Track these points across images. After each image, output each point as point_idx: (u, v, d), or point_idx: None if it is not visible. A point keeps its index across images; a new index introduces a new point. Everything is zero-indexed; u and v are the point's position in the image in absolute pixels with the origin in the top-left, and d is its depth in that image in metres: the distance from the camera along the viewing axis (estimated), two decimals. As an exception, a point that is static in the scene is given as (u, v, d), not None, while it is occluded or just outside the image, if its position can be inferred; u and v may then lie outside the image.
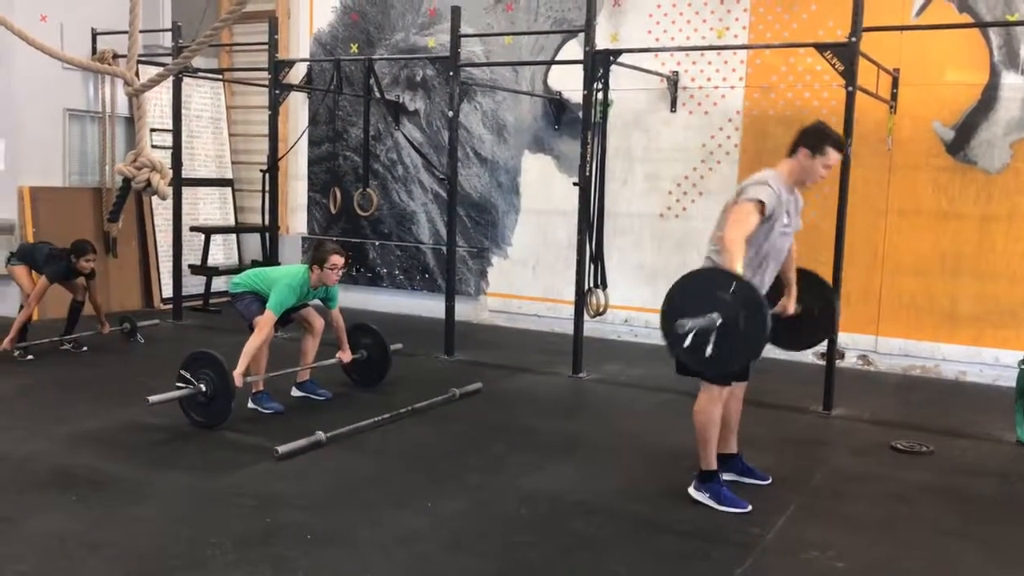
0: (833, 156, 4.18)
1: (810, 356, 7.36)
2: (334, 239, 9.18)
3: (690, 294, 3.85)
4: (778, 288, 4.48)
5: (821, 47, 5.98)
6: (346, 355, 6.06)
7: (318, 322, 5.90)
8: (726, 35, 7.84)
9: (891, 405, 6.47)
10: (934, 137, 7.20)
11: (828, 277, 5.97)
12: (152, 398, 5.05)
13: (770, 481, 4.53)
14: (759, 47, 7.58)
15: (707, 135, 8.04)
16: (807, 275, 4.69)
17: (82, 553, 3.56)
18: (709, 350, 3.72)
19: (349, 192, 8.89)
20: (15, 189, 8.44)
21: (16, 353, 6.91)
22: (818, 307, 4.73)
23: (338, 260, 5.61)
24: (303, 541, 3.74)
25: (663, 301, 3.92)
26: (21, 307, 7.10)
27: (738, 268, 3.83)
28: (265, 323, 5.44)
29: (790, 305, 4.53)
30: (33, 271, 7.09)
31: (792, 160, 4.23)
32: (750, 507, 4.15)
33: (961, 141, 7.12)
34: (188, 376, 5.22)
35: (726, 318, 3.72)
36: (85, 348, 7.34)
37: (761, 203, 4.00)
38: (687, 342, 3.69)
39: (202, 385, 5.18)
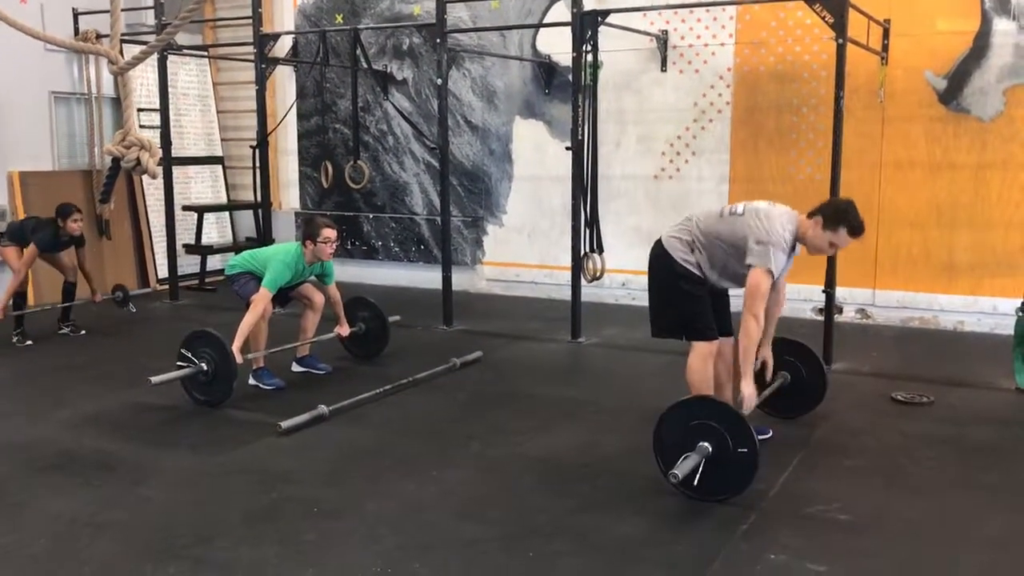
0: (843, 239, 4.14)
1: (808, 312, 7.39)
2: (327, 213, 9.14)
3: (677, 427, 3.86)
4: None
5: (810, 0, 5.92)
6: (344, 329, 6.06)
7: (318, 297, 5.89)
8: (714, -8, 7.76)
9: (890, 357, 6.49)
10: (926, 87, 7.16)
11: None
12: (154, 379, 5.05)
13: (771, 435, 4.55)
14: (748, 2, 7.48)
15: (699, 94, 7.98)
16: (791, 344, 4.79)
17: (91, 534, 3.57)
18: (696, 480, 3.76)
19: (340, 165, 8.86)
20: (4, 175, 8.38)
21: (15, 339, 6.90)
22: (805, 370, 4.83)
23: (331, 233, 5.59)
24: (310, 515, 3.75)
25: (654, 434, 3.92)
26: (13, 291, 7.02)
27: (751, 351, 4.04)
28: (260, 300, 5.43)
29: (766, 352, 4.50)
30: (24, 250, 7.03)
31: (808, 221, 4.18)
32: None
33: (954, 90, 7.08)
34: (189, 355, 5.21)
35: (716, 447, 3.75)
36: (83, 332, 7.32)
37: (770, 272, 4.07)
38: (680, 480, 3.73)
39: (203, 364, 5.17)
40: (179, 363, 5.23)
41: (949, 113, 7.12)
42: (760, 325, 4.07)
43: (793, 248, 4.22)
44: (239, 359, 5.21)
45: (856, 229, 4.12)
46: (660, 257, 4.39)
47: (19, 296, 7.01)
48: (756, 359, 4.41)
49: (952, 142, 7.13)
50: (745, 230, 4.14)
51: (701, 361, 4.28)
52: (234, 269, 5.73)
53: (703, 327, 4.30)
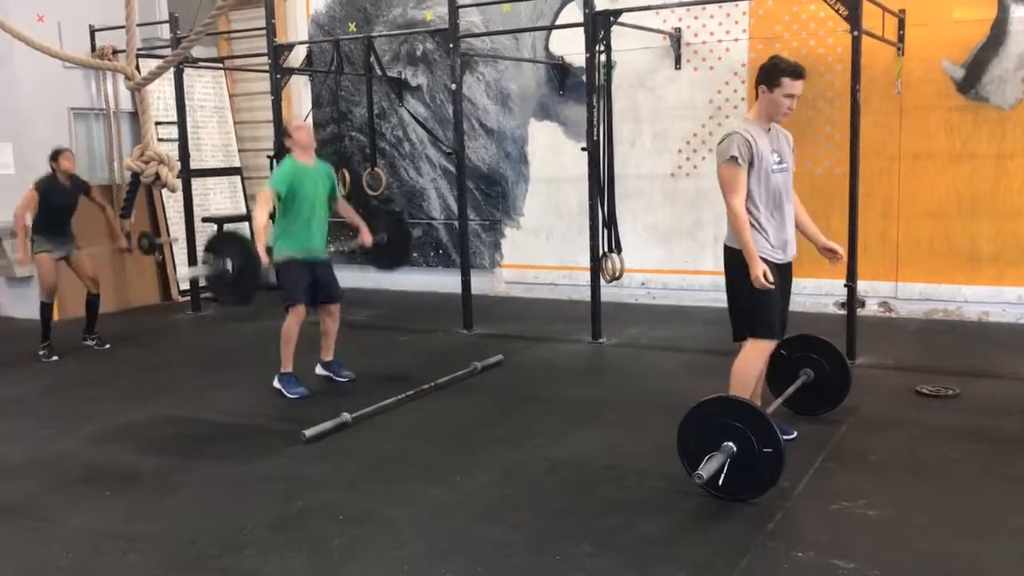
0: (790, 85, 4.14)
1: (831, 306, 7.34)
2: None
3: (701, 427, 3.84)
4: (788, 364, 4.60)
5: (824, -7, 5.89)
6: (366, 236, 6.09)
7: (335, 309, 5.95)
8: (727, -12, 7.73)
9: (914, 350, 6.44)
10: (944, 77, 7.10)
11: (844, 224, 5.96)
12: (181, 276, 4.88)
13: (795, 435, 4.52)
14: (761, -3, 7.48)
15: (713, 90, 7.95)
16: (813, 340, 4.75)
17: (120, 547, 3.60)
18: (721, 480, 3.74)
19: (358, 172, 8.89)
20: (27, 191, 8.45)
21: (41, 354, 6.96)
22: (828, 366, 4.78)
23: (296, 121, 5.83)
24: (336, 522, 3.77)
25: (678, 434, 3.91)
26: (42, 303, 7.09)
27: (747, 239, 3.97)
28: (263, 199, 5.52)
29: (829, 244, 4.38)
30: (57, 258, 7.09)
31: (757, 102, 4.21)
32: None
33: (972, 79, 7.02)
34: (211, 258, 5.12)
35: (740, 447, 3.74)
36: (108, 345, 7.38)
37: (734, 158, 4.05)
38: (705, 481, 3.72)
39: (226, 262, 5.08)
40: (203, 263, 5.11)
41: (968, 102, 7.05)
42: (737, 214, 4.02)
43: (774, 135, 4.22)
44: (265, 259, 5.21)
45: (793, 70, 4.15)
46: (728, 259, 4.28)
47: (46, 308, 7.07)
48: (819, 246, 4.38)
49: (972, 131, 7.07)
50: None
51: (757, 354, 4.22)
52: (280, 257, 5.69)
53: (769, 324, 4.21)
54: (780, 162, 4.21)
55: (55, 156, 7.04)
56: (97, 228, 7.62)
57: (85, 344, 7.34)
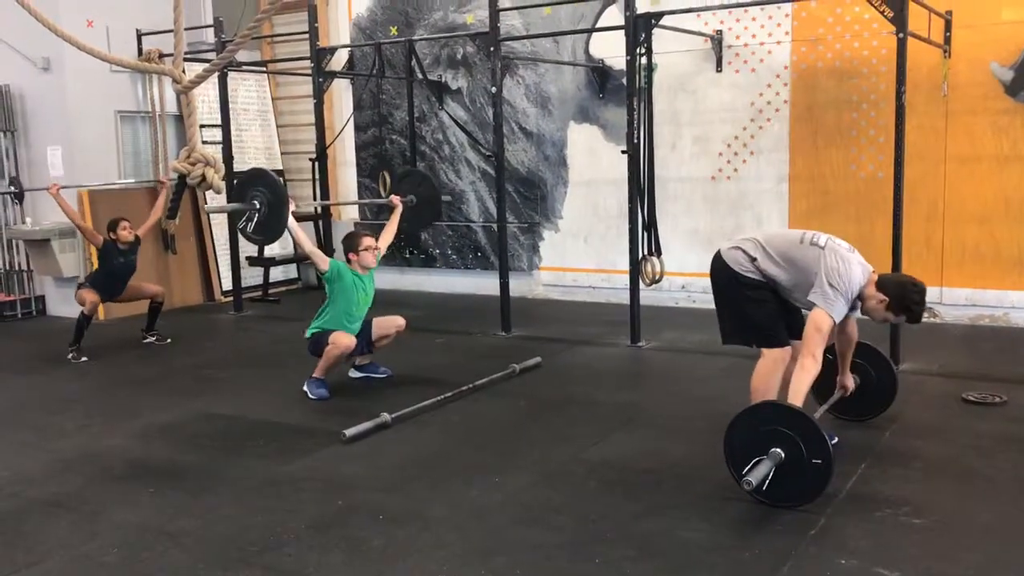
0: (899, 319, 4.16)
1: (873, 312, 7.24)
2: (378, 223, 9.22)
3: (749, 432, 3.82)
4: (835, 369, 4.53)
5: (869, -6, 5.82)
6: (397, 198, 6.19)
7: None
8: (769, -11, 7.67)
9: (960, 356, 6.33)
10: (991, 79, 6.99)
11: (888, 229, 5.90)
12: (210, 209, 4.89)
13: (836, 441, 4.46)
14: (804, -1, 7.41)
15: (755, 93, 7.90)
16: (859, 346, 4.64)
17: (163, 542, 3.65)
18: (766, 486, 3.70)
19: (398, 176, 8.92)
20: (74, 193, 8.62)
21: (70, 356, 7.02)
22: (875, 372, 4.73)
23: (369, 241, 5.81)
24: (376, 521, 3.79)
25: (725, 438, 3.87)
26: (80, 315, 7.17)
27: (803, 391, 3.89)
28: (317, 251, 5.75)
29: (848, 381, 4.54)
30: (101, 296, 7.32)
31: (876, 292, 4.08)
32: None
33: (1021, 81, 6.90)
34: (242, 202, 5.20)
35: (788, 454, 3.71)
36: (169, 340, 7.51)
37: (835, 321, 4.02)
38: (753, 488, 3.68)
39: (256, 203, 5.15)
40: (232, 204, 5.20)
41: (1017, 105, 6.93)
42: (818, 365, 3.94)
43: (853, 303, 4.17)
44: (293, 205, 5.34)
45: (915, 320, 4.13)
46: (722, 270, 4.34)
47: (85, 318, 7.16)
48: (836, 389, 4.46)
49: (1020, 134, 6.94)
50: (820, 265, 4.05)
51: (771, 366, 4.21)
52: (312, 331, 5.84)
53: (773, 334, 4.24)
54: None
55: (112, 228, 7.24)
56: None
57: (146, 341, 7.48)
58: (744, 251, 4.28)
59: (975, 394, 5.26)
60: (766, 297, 4.24)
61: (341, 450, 4.71)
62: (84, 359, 7.01)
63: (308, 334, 5.83)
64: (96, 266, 7.61)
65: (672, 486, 4.09)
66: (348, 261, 5.78)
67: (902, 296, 4.07)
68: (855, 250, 4.20)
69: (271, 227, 5.24)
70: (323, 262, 5.71)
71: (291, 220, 5.50)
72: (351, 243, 5.82)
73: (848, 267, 4.05)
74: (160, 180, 8.23)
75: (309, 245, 5.77)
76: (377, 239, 5.97)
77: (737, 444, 3.84)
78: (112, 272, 7.30)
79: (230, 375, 6.51)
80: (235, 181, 5.24)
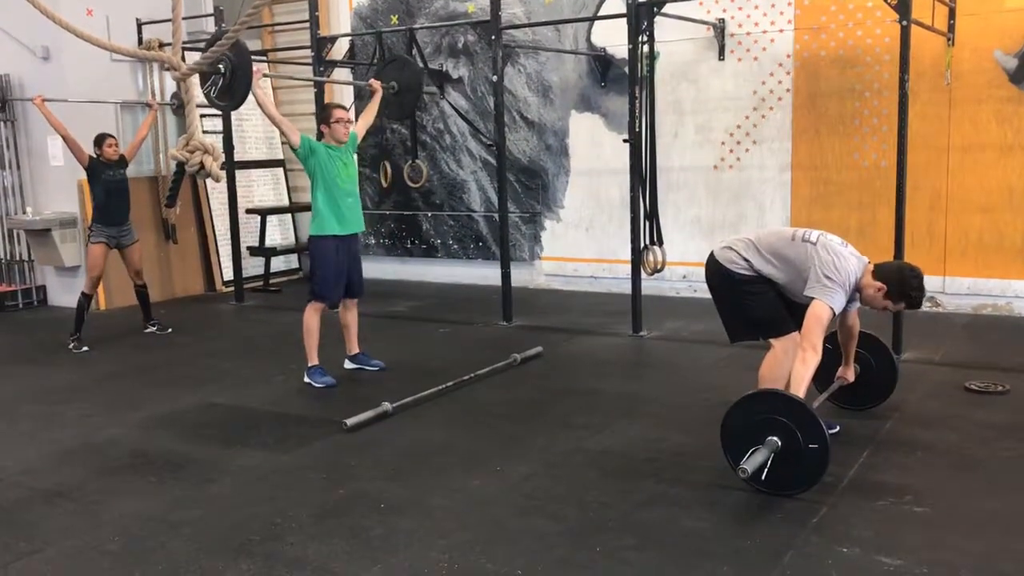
0: (899, 306, 4.14)
1: (875, 301, 7.22)
2: (387, 213, 9.23)
3: (745, 421, 3.81)
4: (835, 358, 4.51)
5: (872, -18, 5.79)
6: (376, 82, 6.18)
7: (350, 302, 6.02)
8: (772, -23, 7.64)
9: (963, 346, 6.32)
10: (995, 67, 6.95)
11: (890, 217, 5.88)
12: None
13: (838, 430, 4.46)
14: (807, -13, 7.37)
15: (758, 81, 7.86)
16: (864, 335, 4.64)
17: (165, 532, 3.65)
18: (764, 475, 3.70)
19: (399, 165, 8.91)
20: (75, 183, 8.62)
21: (71, 345, 7.03)
22: (875, 361, 4.72)
23: (341, 113, 5.75)
24: (377, 510, 3.79)
25: (722, 428, 3.88)
26: (82, 294, 7.22)
27: (804, 382, 3.86)
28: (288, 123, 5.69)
29: (848, 373, 4.54)
30: (109, 248, 7.27)
31: (873, 281, 4.07)
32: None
33: (1025, 69, 6.86)
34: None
35: (785, 442, 3.70)
36: (170, 329, 7.51)
37: (834, 310, 3.99)
38: (749, 475, 3.68)
39: (220, 67, 5.04)
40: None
41: (1021, 93, 6.90)
42: (818, 356, 3.92)
43: (851, 294, 4.16)
44: (256, 68, 5.25)
45: (915, 304, 4.13)
46: (717, 272, 4.36)
47: (86, 299, 7.19)
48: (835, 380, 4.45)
49: (1024, 123, 6.91)
50: (814, 260, 4.05)
51: (781, 355, 4.19)
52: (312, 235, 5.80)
53: (778, 323, 4.23)
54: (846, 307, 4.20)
55: (98, 143, 7.30)
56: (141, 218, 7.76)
57: (147, 331, 7.48)
58: (736, 251, 4.30)
59: (978, 383, 5.25)
60: (763, 290, 4.24)
61: (342, 439, 4.71)
62: (85, 349, 7.00)
63: (313, 232, 5.75)
64: (90, 200, 7.48)
65: (673, 475, 4.09)
66: (320, 135, 5.74)
67: (900, 283, 4.06)
68: (848, 244, 4.20)
69: (236, 92, 5.16)
70: (294, 134, 5.60)
71: (257, 88, 5.34)
72: (324, 114, 5.75)
73: (842, 260, 4.05)
74: (149, 103, 8.14)
75: (278, 114, 5.65)
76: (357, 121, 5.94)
77: (733, 433, 3.85)
78: (107, 190, 7.24)
79: (231, 365, 6.51)
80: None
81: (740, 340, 4.44)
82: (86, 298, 7.20)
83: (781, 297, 4.26)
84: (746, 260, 4.25)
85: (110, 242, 7.26)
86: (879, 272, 4.09)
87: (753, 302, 4.26)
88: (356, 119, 6.31)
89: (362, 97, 9.69)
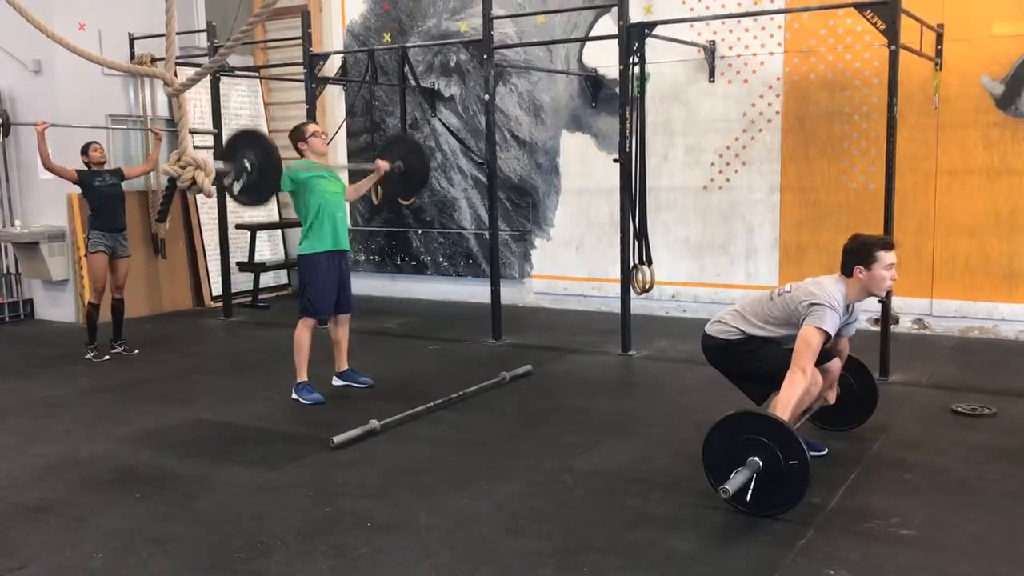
0: (887, 257, 4.11)
1: (864, 322, 7.24)
2: (376, 230, 9.22)
3: (726, 442, 3.82)
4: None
5: (861, 6, 5.85)
6: (381, 163, 6.15)
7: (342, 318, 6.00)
8: (762, 0, 7.70)
9: (950, 368, 6.34)
10: (983, 92, 7.02)
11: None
12: (216, 164, 4.73)
13: (825, 452, 4.47)
14: (797, 10, 7.43)
15: (748, 103, 7.92)
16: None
17: (149, 549, 3.62)
18: (748, 496, 3.72)
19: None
20: (64, 197, 8.59)
21: (90, 356, 7.08)
22: (855, 382, 4.73)
23: (314, 127, 5.85)
24: (363, 529, 3.77)
25: (703, 450, 3.89)
26: (89, 304, 7.24)
27: (791, 404, 3.88)
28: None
29: (831, 395, 4.50)
30: (111, 259, 7.24)
31: (852, 280, 4.13)
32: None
33: (1012, 95, 6.94)
34: (232, 163, 5.08)
35: (766, 462, 3.71)
36: (136, 351, 7.42)
37: (827, 333, 3.99)
38: (731, 495, 3.69)
39: (247, 164, 5.03)
40: (222, 163, 5.02)
41: (1007, 118, 6.97)
42: (807, 380, 3.94)
43: (848, 311, 4.18)
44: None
45: (886, 243, 4.14)
46: (714, 347, 4.39)
47: (94, 309, 7.20)
48: (817, 402, 4.42)
49: (1011, 148, 6.97)
50: (796, 301, 4.10)
51: (803, 380, 4.07)
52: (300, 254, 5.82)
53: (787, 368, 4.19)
54: (839, 330, 4.19)
55: (83, 152, 7.28)
56: (130, 232, 7.74)
57: (114, 351, 7.39)
58: (726, 323, 4.36)
59: (964, 406, 5.27)
60: (762, 345, 4.27)
61: (329, 457, 4.69)
62: (107, 358, 7.06)
63: (301, 251, 5.75)
64: (85, 209, 7.46)
65: (660, 495, 4.08)
66: (300, 154, 5.76)
67: (857, 251, 4.10)
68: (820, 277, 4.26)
69: (260, 191, 5.11)
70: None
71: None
72: (298, 134, 5.79)
73: (819, 284, 4.11)
74: (153, 130, 8.07)
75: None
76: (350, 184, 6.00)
77: (715, 454, 3.85)
78: (101, 197, 7.19)
79: (218, 380, 6.48)
80: (224, 139, 5.05)
81: (767, 397, 4.35)
82: (94, 308, 7.22)
83: (782, 347, 4.27)
84: (737, 328, 4.31)
85: (107, 250, 7.22)
86: (844, 270, 4.15)
87: (759, 358, 4.28)
88: (347, 181, 6.32)
89: (354, 114, 9.72)
